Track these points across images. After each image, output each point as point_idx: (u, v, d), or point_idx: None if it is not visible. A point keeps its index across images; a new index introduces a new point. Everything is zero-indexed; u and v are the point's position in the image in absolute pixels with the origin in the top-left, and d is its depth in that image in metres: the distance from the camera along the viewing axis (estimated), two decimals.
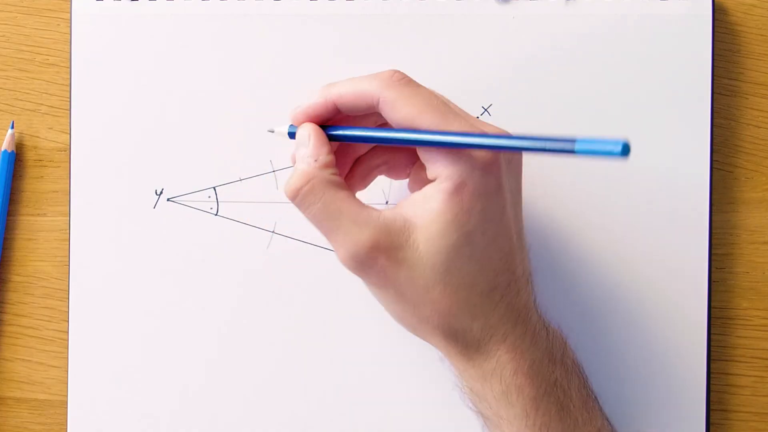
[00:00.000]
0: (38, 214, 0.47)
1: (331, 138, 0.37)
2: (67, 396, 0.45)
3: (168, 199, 0.45)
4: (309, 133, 0.37)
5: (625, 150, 0.29)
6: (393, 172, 0.41)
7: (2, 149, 0.46)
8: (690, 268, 0.44)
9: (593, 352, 0.44)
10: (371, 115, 0.38)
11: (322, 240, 0.44)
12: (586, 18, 0.44)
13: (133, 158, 0.45)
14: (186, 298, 0.45)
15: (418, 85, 0.36)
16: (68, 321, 0.45)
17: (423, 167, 0.37)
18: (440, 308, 0.35)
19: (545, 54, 0.44)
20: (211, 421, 0.45)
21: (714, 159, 0.44)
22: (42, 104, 0.47)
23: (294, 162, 0.37)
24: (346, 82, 0.37)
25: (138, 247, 0.45)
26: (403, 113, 0.35)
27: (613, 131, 0.44)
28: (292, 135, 0.38)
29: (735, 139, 0.45)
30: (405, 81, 0.36)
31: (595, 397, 0.39)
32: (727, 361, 0.45)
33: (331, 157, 0.37)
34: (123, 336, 0.45)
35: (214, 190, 0.45)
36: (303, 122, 0.38)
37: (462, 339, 0.36)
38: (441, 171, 0.35)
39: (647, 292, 0.44)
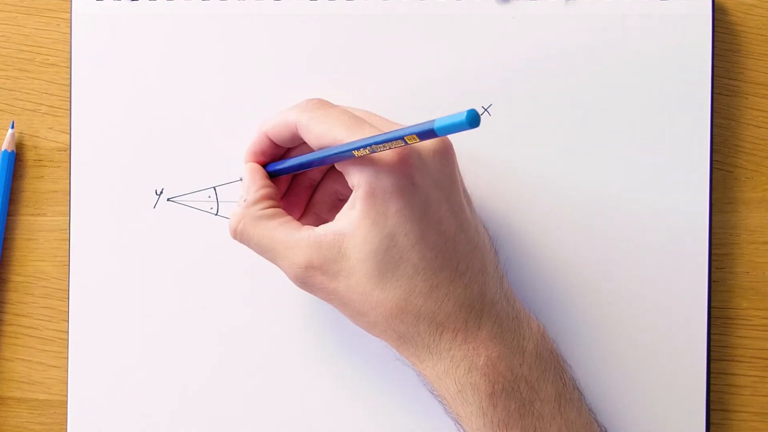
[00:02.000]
0: (38, 214, 0.47)
1: (274, 175, 0.41)
2: (67, 396, 0.45)
3: (168, 199, 0.45)
4: (244, 173, 0.41)
5: (471, 118, 0.30)
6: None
7: (2, 149, 0.46)
8: (690, 268, 0.44)
9: (593, 353, 0.44)
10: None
11: None
12: (586, 18, 0.44)
13: (133, 158, 0.45)
14: (186, 298, 0.45)
15: (332, 107, 0.38)
16: (68, 321, 0.45)
17: None
18: (383, 312, 0.36)
19: (545, 54, 0.44)
20: (211, 421, 0.45)
21: (714, 159, 0.44)
22: (42, 104, 0.47)
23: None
24: (275, 115, 0.40)
25: (138, 247, 0.45)
26: (315, 132, 0.37)
27: (612, 131, 0.44)
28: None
29: (735, 139, 0.45)
30: (319, 104, 0.38)
31: (575, 386, 0.39)
32: (727, 361, 0.45)
33: (261, 193, 0.39)
34: (123, 336, 0.45)
35: (214, 190, 0.45)
36: (249, 161, 0.41)
37: (411, 341, 0.37)
38: (354, 180, 0.36)
39: (647, 292, 0.44)
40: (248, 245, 0.39)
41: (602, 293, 0.44)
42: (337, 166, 0.38)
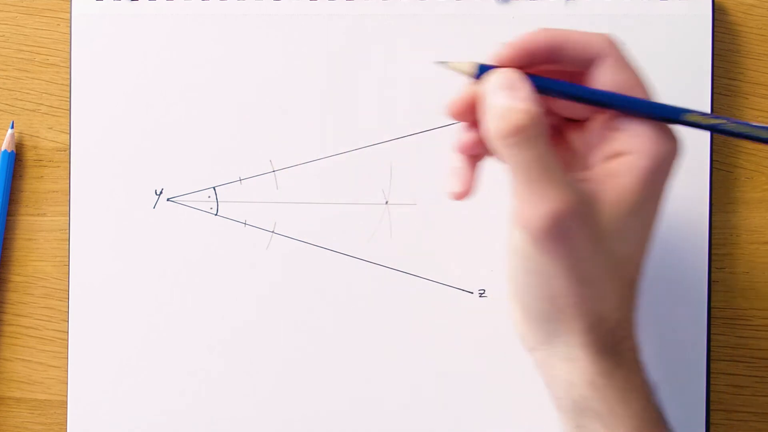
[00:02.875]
0: (38, 214, 0.47)
1: (540, 90, 0.34)
2: (67, 396, 0.45)
3: (168, 199, 0.45)
4: (518, 76, 0.33)
5: None
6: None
7: (2, 149, 0.46)
8: (690, 268, 0.44)
9: None
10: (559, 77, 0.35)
11: (322, 240, 0.45)
12: (586, 18, 0.44)
13: (133, 158, 0.45)
14: (186, 298, 0.45)
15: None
16: (68, 321, 0.45)
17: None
18: (605, 292, 0.34)
19: None
20: (211, 420, 0.45)
21: (714, 159, 0.44)
22: (42, 104, 0.47)
23: (457, 114, 0.35)
24: (567, 30, 0.34)
25: (138, 247, 0.45)
26: (626, 75, 0.34)
27: None
28: (480, 75, 0.34)
29: (735, 139, 0.45)
30: (624, 49, 0.35)
31: None
32: (727, 361, 0.45)
33: (543, 108, 0.33)
34: (123, 336, 0.45)
35: (214, 190, 0.45)
36: (513, 56, 0.34)
37: (602, 329, 0.34)
38: (641, 145, 0.33)
39: (647, 292, 0.44)
40: (523, 152, 0.32)
41: None
42: (622, 122, 0.34)
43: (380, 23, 0.45)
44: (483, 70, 0.34)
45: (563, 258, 0.33)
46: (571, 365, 0.35)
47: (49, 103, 0.47)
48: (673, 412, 0.44)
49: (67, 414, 0.45)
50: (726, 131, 0.33)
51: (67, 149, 0.46)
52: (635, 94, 0.34)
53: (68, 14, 0.46)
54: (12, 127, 0.46)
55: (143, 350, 0.45)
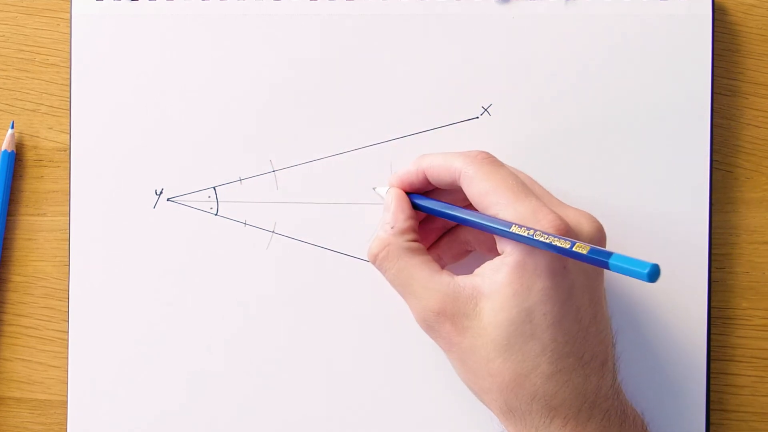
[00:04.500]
0: (38, 214, 0.47)
1: (415, 206, 0.40)
2: (67, 396, 0.45)
3: (168, 199, 0.45)
4: (392, 198, 0.40)
5: (652, 274, 0.32)
6: (482, 248, 0.42)
7: (2, 149, 0.46)
8: (690, 268, 0.44)
9: None
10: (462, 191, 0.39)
11: (322, 240, 0.45)
12: (586, 18, 0.44)
13: (133, 158, 0.45)
14: (186, 298, 0.45)
15: (501, 165, 0.38)
16: (68, 321, 0.45)
17: None
18: (499, 382, 0.36)
19: (545, 54, 0.44)
20: (211, 420, 0.45)
21: (714, 159, 0.44)
22: (42, 104, 0.47)
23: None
24: (438, 155, 0.39)
25: (138, 247, 0.45)
26: (478, 188, 0.37)
27: (612, 131, 0.44)
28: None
29: (735, 139, 0.45)
30: (488, 160, 0.38)
31: None
32: (727, 361, 0.45)
33: (408, 224, 0.39)
34: (123, 336, 0.45)
35: (214, 190, 0.45)
36: (395, 186, 0.41)
37: (520, 417, 0.36)
38: (506, 247, 0.36)
39: (647, 293, 0.44)
40: (384, 273, 0.39)
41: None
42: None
43: (380, 23, 0.45)
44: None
45: (447, 351, 0.38)
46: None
47: (49, 103, 0.47)
48: (673, 412, 0.44)
49: (67, 414, 0.45)
50: (543, 244, 0.35)
51: (67, 149, 0.46)
52: (489, 201, 0.37)
53: (68, 14, 0.46)
54: (12, 127, 0.46)
55: (143, 350, 0.45)
